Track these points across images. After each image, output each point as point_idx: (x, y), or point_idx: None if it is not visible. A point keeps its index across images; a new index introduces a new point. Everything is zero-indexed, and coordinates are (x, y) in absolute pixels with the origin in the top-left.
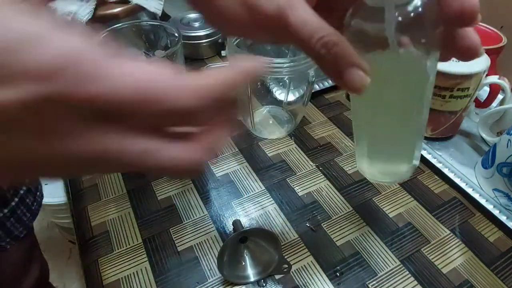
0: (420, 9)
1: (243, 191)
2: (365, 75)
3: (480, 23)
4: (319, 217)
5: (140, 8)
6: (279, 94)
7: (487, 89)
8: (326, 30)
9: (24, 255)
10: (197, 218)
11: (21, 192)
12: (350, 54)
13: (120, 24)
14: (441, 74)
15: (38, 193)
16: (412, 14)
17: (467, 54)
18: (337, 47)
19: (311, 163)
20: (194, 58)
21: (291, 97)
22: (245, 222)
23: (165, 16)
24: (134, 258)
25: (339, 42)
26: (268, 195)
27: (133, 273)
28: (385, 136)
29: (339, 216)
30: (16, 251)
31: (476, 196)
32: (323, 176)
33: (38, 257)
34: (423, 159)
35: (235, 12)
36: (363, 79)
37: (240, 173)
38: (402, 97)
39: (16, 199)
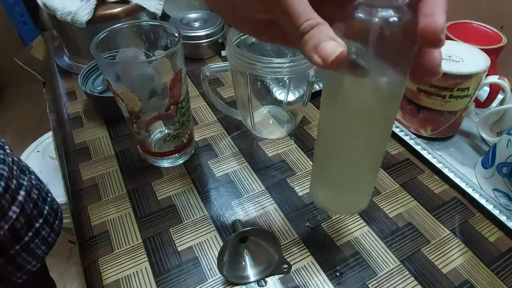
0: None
1: (243, 191)
2: (339, 45)
3: (480, 23)
4: (319, 217)
5: (140, 8)
6: (279, 94)
7: (487, 89)
8: (314, 15)
9: (35, 285)
10: (197, 218)
11: (37, 225)
12: (330, 30)
13: (120, 24)
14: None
15: (56, 222)
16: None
17: (426, 74)
18: (321, 25)
19: (311, 163)
20: (194, 58)
21: (291, 97)
22: (245, 222)
23: (165, 16)
24: (134, 258)
25: (323, 23)
26: (268, 195)
27: (133, 273)
28: (345, 166)
29: (339, 216)
30: (27, 283)
31: (476, 196)
32: None
33: (48, 281)
34: (423, 159)
35: None
36: (335, 47)
37: (240, 173)
38: (367, 122)
39: (30, 234)
